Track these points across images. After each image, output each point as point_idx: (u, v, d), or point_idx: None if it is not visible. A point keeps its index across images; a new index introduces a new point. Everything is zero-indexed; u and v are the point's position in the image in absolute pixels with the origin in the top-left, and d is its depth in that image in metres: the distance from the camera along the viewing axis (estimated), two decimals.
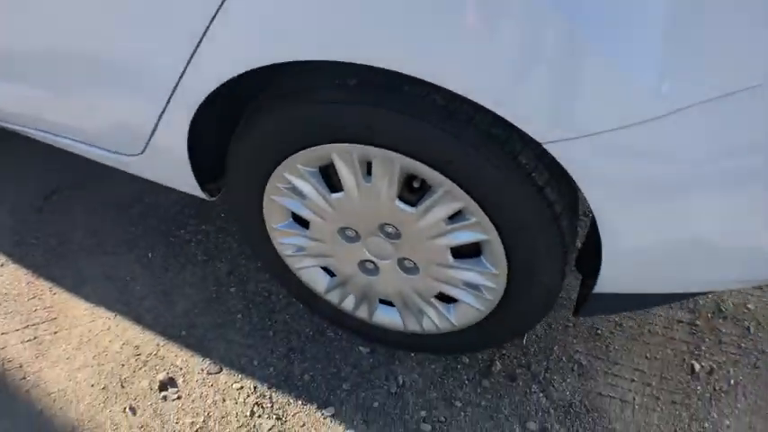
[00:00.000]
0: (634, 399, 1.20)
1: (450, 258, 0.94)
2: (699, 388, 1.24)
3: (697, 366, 1.27)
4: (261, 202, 1.05)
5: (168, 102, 0.95)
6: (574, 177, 0.74)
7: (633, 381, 1.22)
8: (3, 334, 1.25)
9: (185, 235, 1.45)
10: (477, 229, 0.87)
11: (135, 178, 1.44)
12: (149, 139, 1.06)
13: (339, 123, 0.85)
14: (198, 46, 0.84)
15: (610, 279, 0.88)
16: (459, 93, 0.71)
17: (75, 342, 1.23)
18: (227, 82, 0.86)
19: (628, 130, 0.67)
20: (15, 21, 1.03)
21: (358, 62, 0.74)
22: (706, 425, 1.19)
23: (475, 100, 0.71)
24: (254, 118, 0.94)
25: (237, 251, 1.41)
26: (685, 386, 1.23)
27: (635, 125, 0.66)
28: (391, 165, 0.86)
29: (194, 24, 0.82)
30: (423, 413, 1.12)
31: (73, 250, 1.41)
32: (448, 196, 0.85)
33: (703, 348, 1.30)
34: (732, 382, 1.25)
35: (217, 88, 0.88)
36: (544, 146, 0.71)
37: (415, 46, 0.71)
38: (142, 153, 1.11)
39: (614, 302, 0.96)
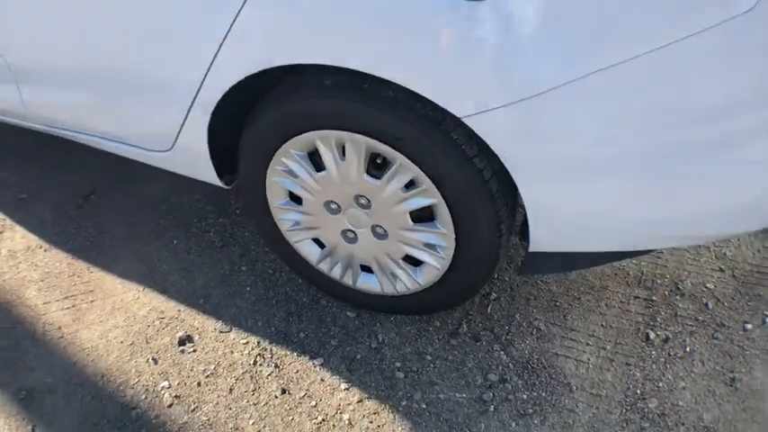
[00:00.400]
0: (588, 359, 1.37)
1: (411, 222, 1.16)
2: (653, 353, 1.40)
3: (652, 335, 1.44)
4: (264, 184, 1.29)
5: (191, 104, 1.21)
6: (491, 146, 0.96)
7: (588, 344, 1.40)
8: (45, 303, 1.50)
9: (205, 226, 1.70)
10: (427, 195, 1.09)
11: (163, 180, 1.71)
12: (176, 138, 1.33)
13: (319, 114, 1.10)
14: (213, 60, 1.10)
15: (539, 239, 1.09)
16: (401, 84, 0.95)
17: (108, 309, 1.48)
18: (232, 89, 1.11)
19: (524, 103, 0.89)
20: (63, 40, 1.32)
21: (335, 65, 0.99)
22: (660, 384, 1.35)
23: (412, 89, 0.94)
24: (257, 114, 1.19)
25: (249, 239, 1.65)
26: (640, 351, 1.40)
27: (526, 99, 0.88)
28: (358, 145, 1.09)
29: (210, 43, 1.08)
30: (398, 364, 1.33)
31: (109, 239, 1.67)
32: (402, 168, 1.08)
33: (659, 320, 1.47)
34: (688, 349, 1.41)
35: (225, 93, 1.14)
36: (462, 119, 0.93)
37: (372, 53, 0.95)
38: (171, 149, 1.38)
39: (549, 262, 1.16)
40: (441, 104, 0.94)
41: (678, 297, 1.52)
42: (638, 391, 1.31)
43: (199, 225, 1.71)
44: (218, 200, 1.76)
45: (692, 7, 0.81)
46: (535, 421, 1.25)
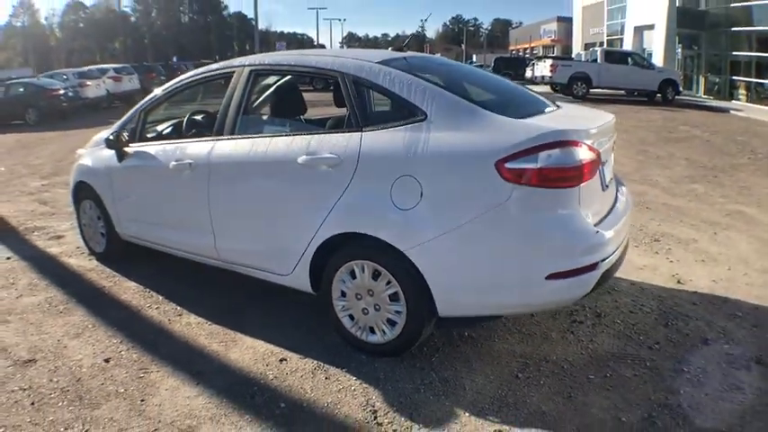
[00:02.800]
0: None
1: (389, 300, 2.88)
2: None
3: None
4: (330, 288, 3.08)
5: (306, 248, 3.09)
6: (416, 264, 2.71)
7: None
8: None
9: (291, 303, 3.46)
10: (394, 286, 2.83)
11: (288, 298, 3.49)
12: (295, 267, 3.19)
13: (356, 254, 2.93)
14: (319, 227, 3.00)
15: (442, 306, 2.76)
16: (388, 241, 2.78)
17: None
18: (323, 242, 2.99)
19: (426, 244, 2.67)
20: (248, 217, 3.32)
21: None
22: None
23: (391, 243, 2.77)
24: (332, 254, 3.04)
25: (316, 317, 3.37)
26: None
27: (426, 242, 2.67)
28: (370, 266, 2.89)
29: (319, 213, 2.98)
30: (381, 374, 2.90)
31: (241, 319, 3.46)
32: (384, 276, 2.84)
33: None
34: None
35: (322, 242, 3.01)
36: (404, 252, 2.72)
37: (385, 231, 2.81)
38: (291, 274, 3.23)
39: (453, 321, 2.81)
40: (395, 244, 2.75)
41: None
42: None
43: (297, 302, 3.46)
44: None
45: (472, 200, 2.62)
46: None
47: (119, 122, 4.31)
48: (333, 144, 2.96)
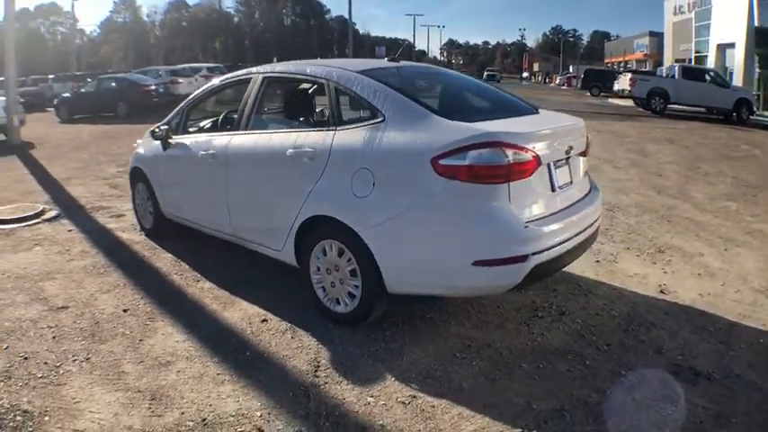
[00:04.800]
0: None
1: (350, 276, 3.45)
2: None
3: None
4: (309, 262, 3.71)
5: (291, 227, 3.74)
6: (368, 244, 3.29)
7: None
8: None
9: (291, 282, 4.12)
10: (353, 264, 3.41)
11: (283, 274, 4.17)
12: (285, 243, 3.85)
13: (326, 232, 3.55)
14: (300, 209, 3.64)
15: (389, 283, 3.32)
16: (348, 224, 3.37)
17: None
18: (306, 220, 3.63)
19: (376, 227, 3.24)
20: (254, 202, 4.02)
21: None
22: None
23: (348, 224, 3.36)
24: (308, 233, 3.68)
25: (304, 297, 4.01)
26: None
27: (376, 226, 3.24)
28: (337, 244, 3.49)
29: (299, 198, 3.63)
30: (338, 339, 3.49)
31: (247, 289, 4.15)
32: (347, 254, 3.42)
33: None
34: None
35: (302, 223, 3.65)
36: (358, 232, 3.30)
37: (345, 214, 3.42)
38: (283, 250, 3.90)
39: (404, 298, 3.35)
40: (352, 226, 3.33)
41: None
42: None
43: (291, 283, 4.13)
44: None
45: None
46: None
47: (167, 117, 5.18)
48: (313, 140, 3.60)
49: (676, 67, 22.10)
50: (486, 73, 67.92)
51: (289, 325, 3.65)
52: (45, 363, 3.22)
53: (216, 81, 4.89)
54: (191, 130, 5.05)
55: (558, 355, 3.30)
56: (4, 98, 12.87)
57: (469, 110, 3.52)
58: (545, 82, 66.63)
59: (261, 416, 2.73)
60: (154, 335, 3.55)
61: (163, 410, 2.78)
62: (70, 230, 5.80)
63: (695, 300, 4.12)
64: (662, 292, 4.27)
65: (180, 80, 22.64)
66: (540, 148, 3.24)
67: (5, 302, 4.01)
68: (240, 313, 3.83)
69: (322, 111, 3.70)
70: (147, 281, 4.44)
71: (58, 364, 3.21)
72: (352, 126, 3.48)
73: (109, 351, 3.35)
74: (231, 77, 4.65)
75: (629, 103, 23.73)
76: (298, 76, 4.14)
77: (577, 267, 4.55)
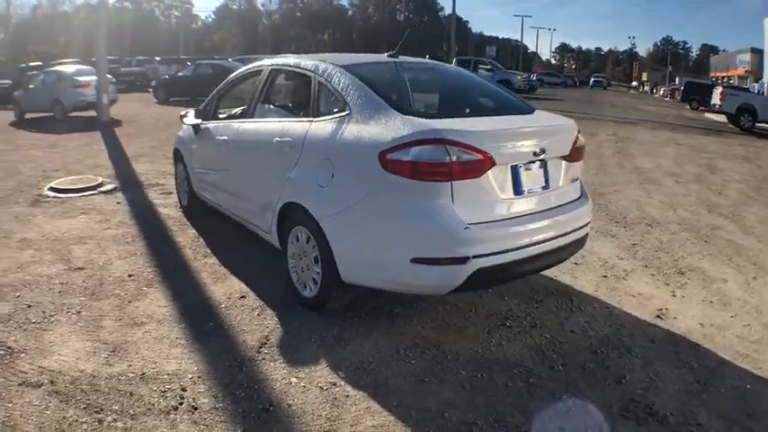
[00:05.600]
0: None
1: (314, 261, 3.70)
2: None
3: None
4: (286, 247, 4.02)
5: (274, 212, 4.06)
6: (325, 231, 3.54)
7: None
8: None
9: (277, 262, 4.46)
10: (315, 250, 3.66)
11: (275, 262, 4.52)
12: (271, 225, 4.19)
13: (294, 219, 3.83)
14: (279, 196, 3.96)
15: (343, 273, 3.55)
16: (309, 210, 3.64)
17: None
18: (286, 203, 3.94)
19: (335, 215, 3.48)
20: (248, 185, 4.39)
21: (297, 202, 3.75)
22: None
23: (311, 211, 3.62)
24: (287, 219, 3.98)
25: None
26: None
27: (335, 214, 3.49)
28: (303, 232, 3.76)
29: (281, 184, 3.95)
30: (297, 322, 3.77)
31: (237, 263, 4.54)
32: (312, 241, 3.68)
33: None
34: None
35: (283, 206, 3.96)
36: (318, 220, 3.55)
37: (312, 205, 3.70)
38: (270, 232, 4.24)
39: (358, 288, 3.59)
40: (313, 214, 3.59)
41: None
42: None
43: (276, 264, 4.48)
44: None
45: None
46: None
47: (203, 104, 5.68)
48: (293, 129, 3.89)
49: (766, 84, 20.79)
50: (593, 79, 69.96)
51: (262, 303, 3.97)
52: (43, 312, 3.75)
53: (243, 69, 5.31)
54: (220, 116, 5.47)
55: (503, 368, 3.22)
56: (96, 77, 14.12)
57: (441, 106, 3.64)
58: (651, 92, 64.70)
59: (191, 378, 3.06)
60: (143, 299, 4.00)
61: (115, 361, 3.19)
62: (119, 203, 6.49)
63: (692, 329, 3.81)
64: (659, 316, 3.99)
65: None
66: (496, 148, 3.25)
67: (34, 260, 4.65)
68: (226, 288, 4.21)
69: (306, 102, 3.98)
70: (162, 252, 4.95)
71: (53, 313, 3.73)
72: (325, 118, 3.73)
73: (99, 308, 3.83)
74: (251, 68, 5.05)
75: (723, 118, 22.55)
76: (294, 68, 4.44)
77: (580, 280, 4.53)
